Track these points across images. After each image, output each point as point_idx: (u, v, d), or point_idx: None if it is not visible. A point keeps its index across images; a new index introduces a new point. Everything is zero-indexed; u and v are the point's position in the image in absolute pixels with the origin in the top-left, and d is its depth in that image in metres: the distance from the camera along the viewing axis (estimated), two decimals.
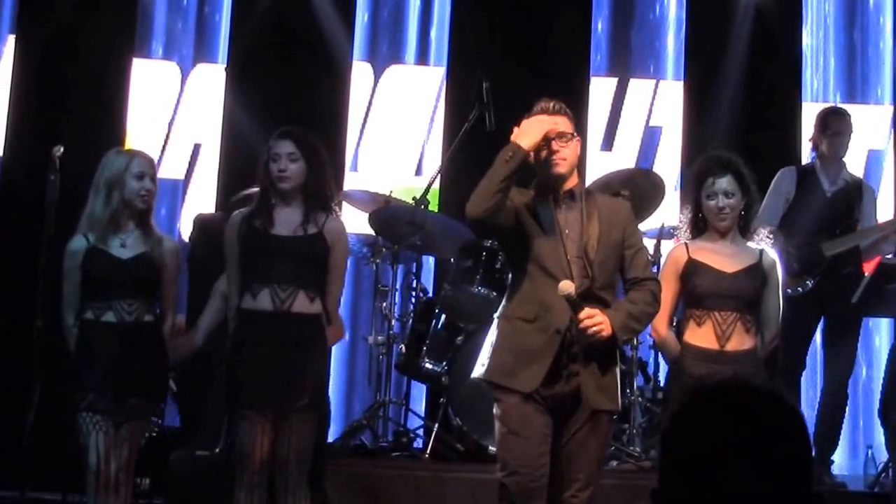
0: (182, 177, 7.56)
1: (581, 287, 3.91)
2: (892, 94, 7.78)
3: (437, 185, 6.42)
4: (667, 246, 5.47)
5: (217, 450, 5.25)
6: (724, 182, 4.51)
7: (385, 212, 6.05)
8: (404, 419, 6.31)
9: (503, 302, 4.14)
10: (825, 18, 7.83)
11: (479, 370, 4.09)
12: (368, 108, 7.71)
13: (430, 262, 7.18)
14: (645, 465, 5.65)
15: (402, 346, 6.10)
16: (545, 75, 7.16)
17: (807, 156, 6.90)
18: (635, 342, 5.92)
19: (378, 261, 6.26)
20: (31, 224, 5.61)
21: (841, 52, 7.82)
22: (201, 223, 5.98)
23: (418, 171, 7.65)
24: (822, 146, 6.14)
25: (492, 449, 5.22)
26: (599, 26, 7.79)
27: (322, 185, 4.49)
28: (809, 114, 6.99)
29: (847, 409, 6.19)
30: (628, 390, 5.86)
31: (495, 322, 4.12)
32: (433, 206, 6.35)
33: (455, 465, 5.65)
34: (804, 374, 6.26)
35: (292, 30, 7.46)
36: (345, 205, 5.29)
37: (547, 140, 3.98)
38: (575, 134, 4.07)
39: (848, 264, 6.00)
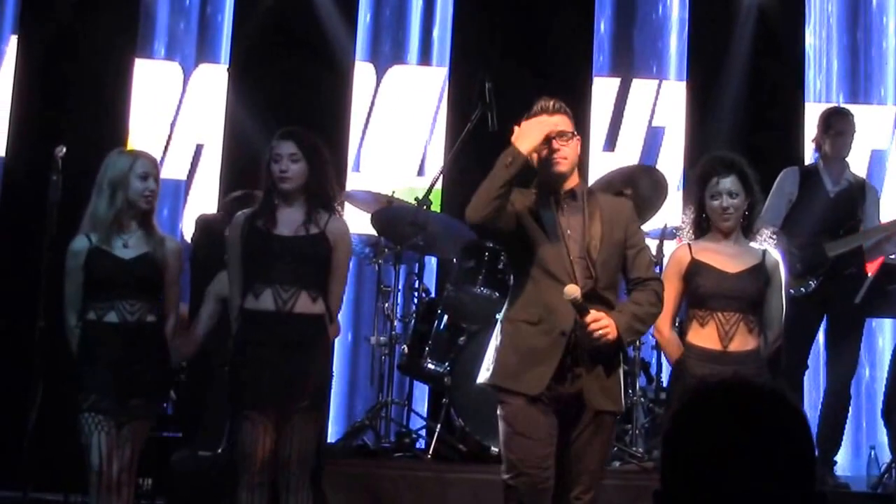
0: (184, 177, 7.56)
1: (584, 287, 3.90)
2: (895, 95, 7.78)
3: (439, 185, 6.41)
4: (669, 246, 5.46)
5: (219, 450, 5.25)
6: (729, 182, 4.50)
7: (387, 212, 6.05)
8: (406, 420, 6.30)
9: (506, 305, 4.13)
10: (828, 18, 7.82)
11: (484, 375, 4.07)
12: (371, 109, 7.70)
13: (432, 262, 7.18)
14: (647, 465, 5.64)
15: (405, 346, 6.09)
16: (547, 75, 7.14)
17: (810, 156, 6.88)
18: (638, 343, 5.91)
19: (380, 261, 6.25)
20: (33, 224, 5.61)
21: (844, 53, 7.81)
22: (203, 223, 5.98)
23: (421, 172, 7.65)
24: (825, 146, 6.13)
25: (494, 450, 5.23)
26: (602, 26, 7.78)
27: (324, 186, 4.48)
28: (812, 114, 6.97)
29: (850, 409, 6.17)
30: (631, 391, 5.85)
31: (498, 325, 4.10)
32: (435, 207, 6.34)
33: (457, 465, 5.64)
34: (807, 374, 6.25)
35: (294, 30, 7.45)
36: (347, 205, 5.28)
37: (547, 139, 3.97)
38: (575, 133, 4.06)
39: (851, 265, 5.99)
